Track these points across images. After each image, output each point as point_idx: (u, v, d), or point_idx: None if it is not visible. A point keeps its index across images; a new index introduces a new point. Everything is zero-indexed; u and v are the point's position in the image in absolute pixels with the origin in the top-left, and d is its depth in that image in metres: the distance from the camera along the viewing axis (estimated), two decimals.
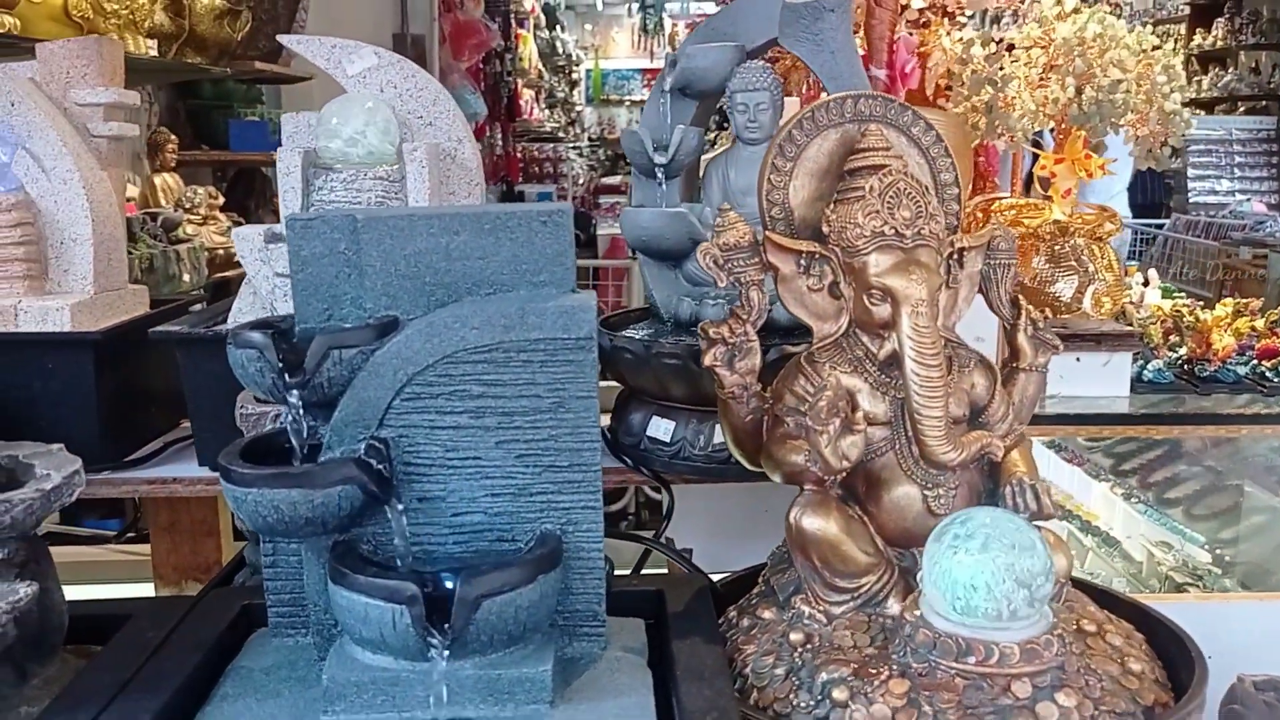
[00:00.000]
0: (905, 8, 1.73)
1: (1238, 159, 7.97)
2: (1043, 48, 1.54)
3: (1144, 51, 1.48)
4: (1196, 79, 8.49)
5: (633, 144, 1.24)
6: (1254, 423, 1.51)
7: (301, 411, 0.79)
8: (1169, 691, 0.86)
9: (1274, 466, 1.93)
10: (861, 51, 1.63)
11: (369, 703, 0.77)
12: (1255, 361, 1.65)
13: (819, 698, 0.82)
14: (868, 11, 1.68)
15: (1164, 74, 1.46)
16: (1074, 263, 1.57)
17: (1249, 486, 2.01)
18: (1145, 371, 1.63)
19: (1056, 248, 1.59)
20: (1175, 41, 8.70)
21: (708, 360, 0.94)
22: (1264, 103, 8.12)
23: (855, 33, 1.56)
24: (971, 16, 2.11)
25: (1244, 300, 1.83)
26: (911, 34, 1.79)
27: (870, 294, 0.92)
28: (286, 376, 0.78)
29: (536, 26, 9.13)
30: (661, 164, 1.21)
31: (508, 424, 0.81)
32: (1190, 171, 7.89)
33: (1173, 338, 1.72)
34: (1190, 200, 7.71)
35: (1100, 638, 0.88)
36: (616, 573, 0.90)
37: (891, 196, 0.92)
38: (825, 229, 0.95)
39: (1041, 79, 1.50)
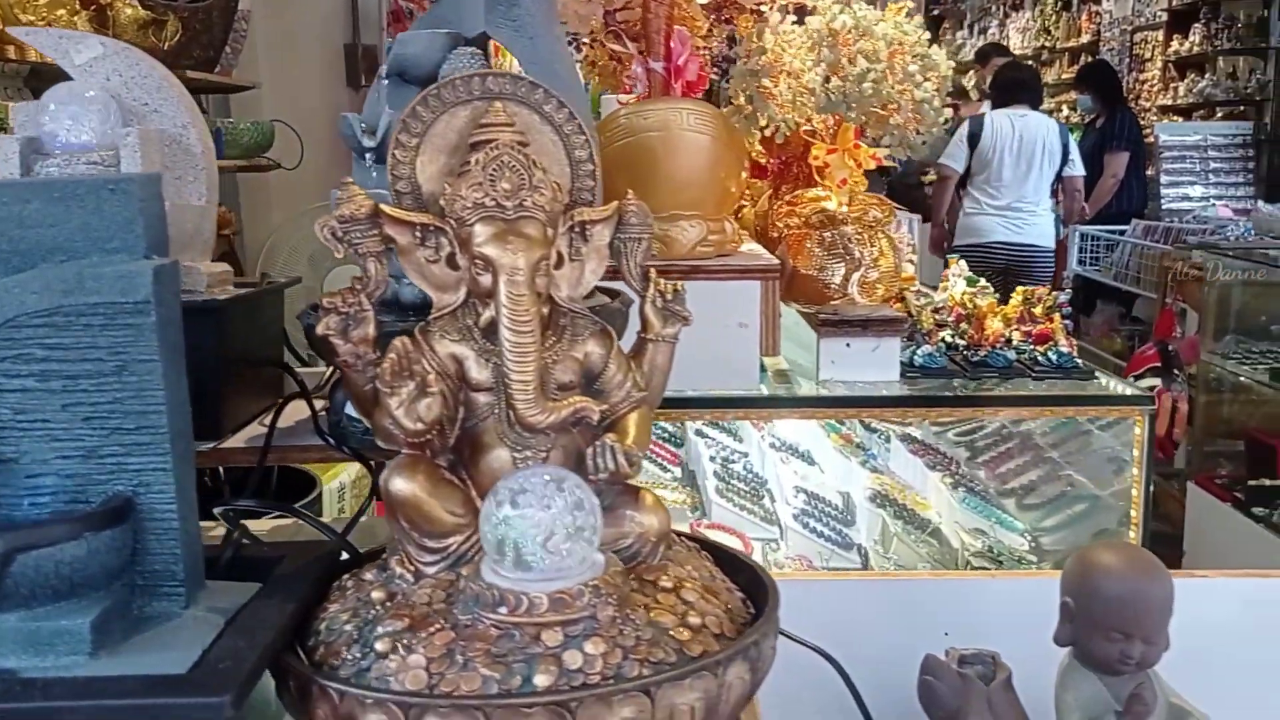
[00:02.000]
0: (690, 2, 1.76)
1: (1213, 164, 7.93)
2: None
3: (898, 42, 1.51)
4: (1174, 85, 8.47)
5: (344, 129, 1.27)
6: (1010, 404, 1.53)
7: None
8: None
9: (1098, 455, 1.94)
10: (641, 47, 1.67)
11: None
12: (1031, 346, 1.67)
13: (365, 650, 0.84)
14: (644, 6, 1.71)
15: (917, 63, 1.48)
16: (842, 250, 1.59)
17: (1078, 475, 2.02)
18: (916, 357, 1.65)
19: (826, 236, 1.61)
20: (1154, 48, 8.68)
21: (320, 329, 0.97)
22: (1241, 108, 8.08)
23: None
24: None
25: (1033, 288, 1.84)
26: (726, 25, 1.82)
27: (475, 264, 0.95)
28: None
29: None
30: (370, 148, 1.25)
31: (73, 387, 0.84)
32: (1163, 178, 7.87)
33: (963, 325, 1.74)
34: (1163, 206, 7.68)
35: (674, 593, 0.90)
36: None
37: (494, 169, 0.95)
38: (442, 202, 0.98)
39: (800, 71, 1.53)
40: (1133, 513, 1.61)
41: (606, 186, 1.54)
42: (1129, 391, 1.73)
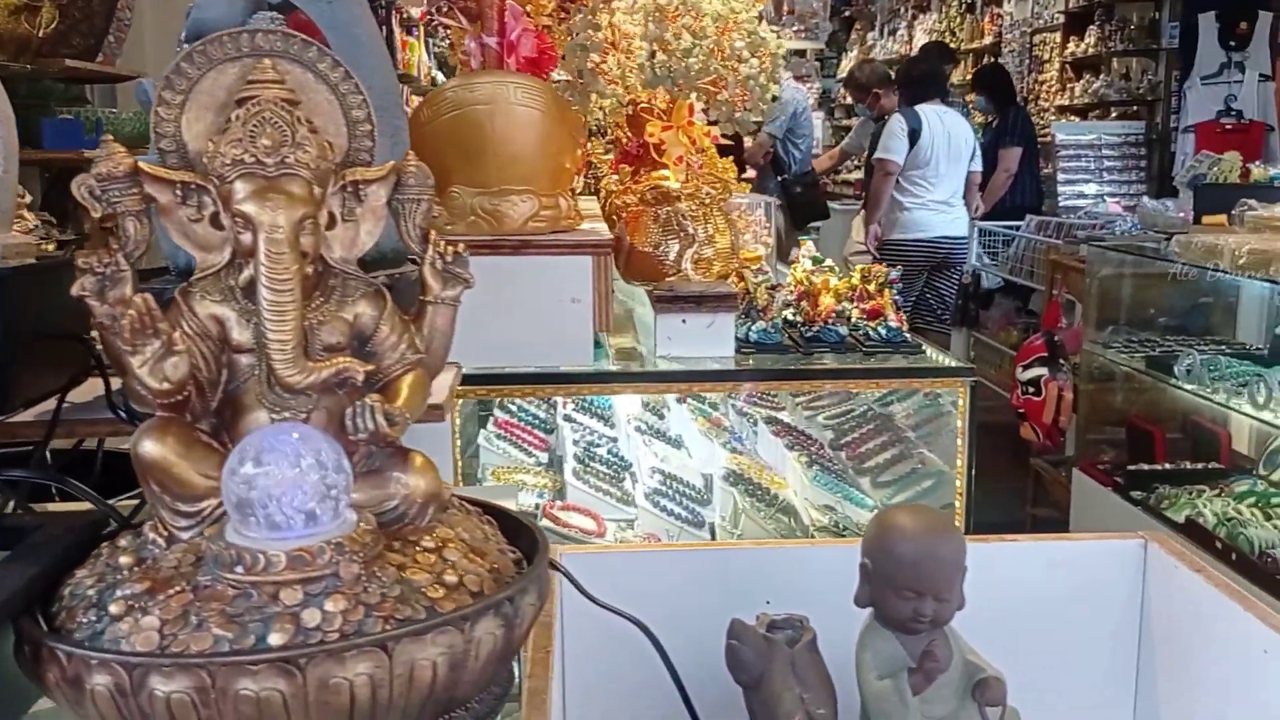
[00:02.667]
0: None
1: (1107, 163, 8.14)
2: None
3: (727, 19, 1.52)
4: (1071, 85, 8.69)
5: (139, 95, 1.24)
6: (838, 377, 1.56)
7: None
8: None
9: (950, 432, 1.98)
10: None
11: None
12: (864, 321, 1.70)
13: (101, 613, 0.82)
14: None
15: (744, 40, 1.50)
16: (676, 227, 1.60)
17: (929, 452, 2.06)
18: (751, 332, 1.67)
19: (662, 213, 1.62)
20: (1052, 50, 8.89)
21: (75, 289, 0.94)
22: (1134, 107, 8.32)
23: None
24: None
25: (872, 267, 1.88)
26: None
27: (235, 222, 0.93)
28: None
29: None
30: None
31: None
32: (1060, 176, 8.07)
33: (803, 303, 1.77)
34: (1060, 203, 7.88)
35: (436, 552, 0.89)
36: None
37: (255, 125, 0.93)
38: (204, 159, 0.96)
39: (631, 47, 1.53)
40: (957, 482, 1.65)
41: (435, 160, 1.52)
42: (951, 363, 1.77)
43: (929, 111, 5.87)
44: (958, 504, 1.67)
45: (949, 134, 5.89)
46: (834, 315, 1.70)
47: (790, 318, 1.70)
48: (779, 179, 7.24)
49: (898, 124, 5.89)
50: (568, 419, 2.51)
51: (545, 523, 2.08)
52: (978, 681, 1.17)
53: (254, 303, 0.94)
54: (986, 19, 9.93)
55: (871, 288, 1.78)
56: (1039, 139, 7.61)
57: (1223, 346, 4.20)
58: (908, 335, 1.77)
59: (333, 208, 0.98)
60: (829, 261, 2.01)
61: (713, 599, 1.35)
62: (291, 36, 1.01)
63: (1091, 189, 7.77)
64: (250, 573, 0.80)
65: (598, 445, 2.41)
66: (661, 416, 2.60)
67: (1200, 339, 4.36)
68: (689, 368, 1.57)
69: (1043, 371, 4.81)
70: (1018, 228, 6.45)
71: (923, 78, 6.25)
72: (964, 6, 10.48)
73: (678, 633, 1.27)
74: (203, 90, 0.99)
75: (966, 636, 1.21)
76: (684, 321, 1.60)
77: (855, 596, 1.21)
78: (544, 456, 2.44)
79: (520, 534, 1.01)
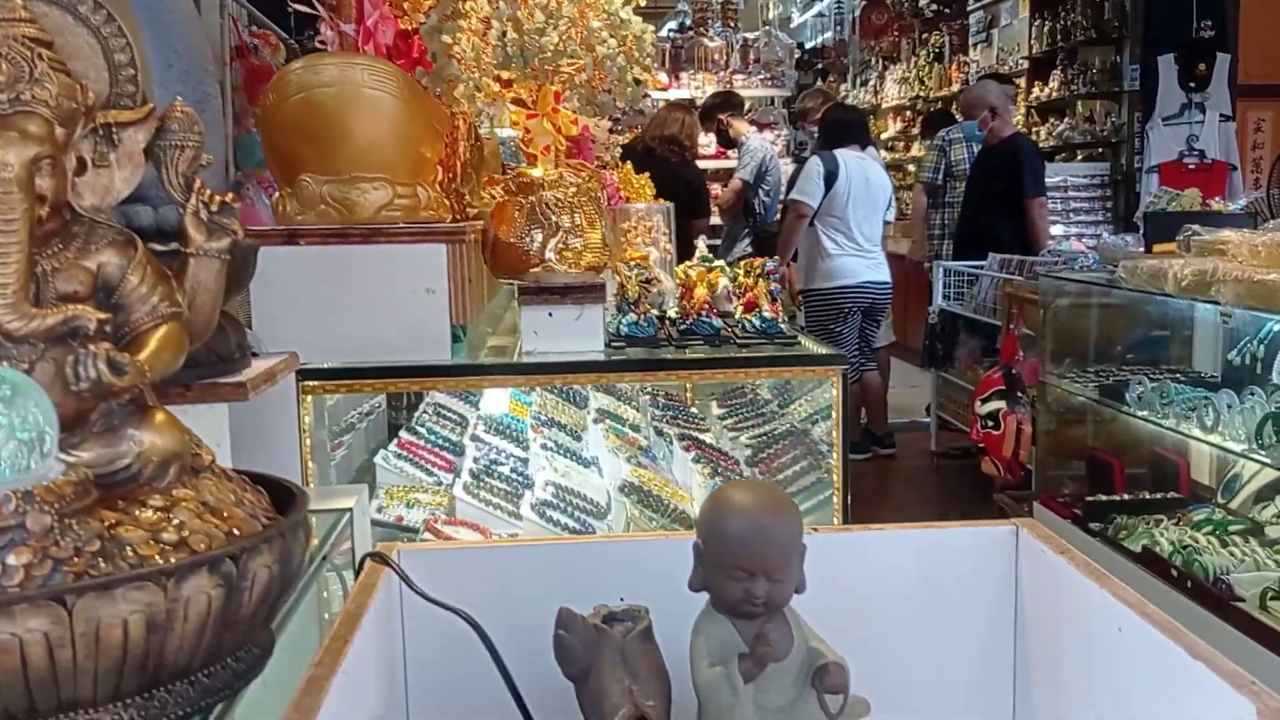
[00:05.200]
0: None
1: (1073, 204, 8.16)
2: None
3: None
4: (1036, 129, 8.74)
5: None
6: (709, 367, 1.49)
7: None
8: None
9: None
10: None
11: None
12: (741, 314, 1.64)
13: None
14: None
15: (601, 21, 1.45)
16: (541, 217, 1.54)
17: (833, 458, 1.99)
18: (622, 326, 1.60)
19: (526, 203, 1.56)
20: (1017, 95, 8.96)
21: None
22: (1099, 149, 8.36)
23: None
24: None
25: (754, 258, 1.83)
26: None
27: None
28: None
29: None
30: None
31: None
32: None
33: (684, 300, 1.71)
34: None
35: (163, 511, 0.82)
36: None
37: None
38: None
39: (486, 27, 1.49)
40: (835, 478, 1.57)
41: (285, 147, 1.47)
42: (824, 352, 1.71)
43: (848, 157, 5.87)
44: (835, 499, 1.59)
45: (866, 180, 5.89)
46: (708, 307, 1.64)
47: (670, 315, 1.64)
48: (749, 222, 7.26)
49: (814, 166, 5.87)
50: (475, 439, 2.43)
51: (427, 537, 1.99)
52: (818, 668, 1.08)
53: None
54: (954, 67, 10.03)
55: (749, 279, 1.73)
56: None
57: (1178, 374, 4.13)
58: (783, 326, 1.72)
59: (83, 152, 0.92)
60: (720, 262, 1.95)
61: (554, 593, 1.26)
62: None
63: (1059, 229, 7.77)
64: None
65: (501, 464, 2.33)
66: (578, 438, 2.52)
67: (1155, 368, 4.30)
68: (550, 360, 1.51)
69: (1001, 404, 4.75)
70: (981, 267, 6.43)
71: (843, 123, 6.24)
72: (932, 56, 10.59)
73: (515, 628, 1.19)
74: None
75: (840, 629, 1.12)
76: (550, 315, 1.53)
77: (689, 580, 1.12)
78: (447, 477, 2.36)
79: (290, 507, 0.93)
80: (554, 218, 1.52)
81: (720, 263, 1.92)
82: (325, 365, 1.54)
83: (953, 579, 1.27)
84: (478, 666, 1.19)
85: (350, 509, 1.26)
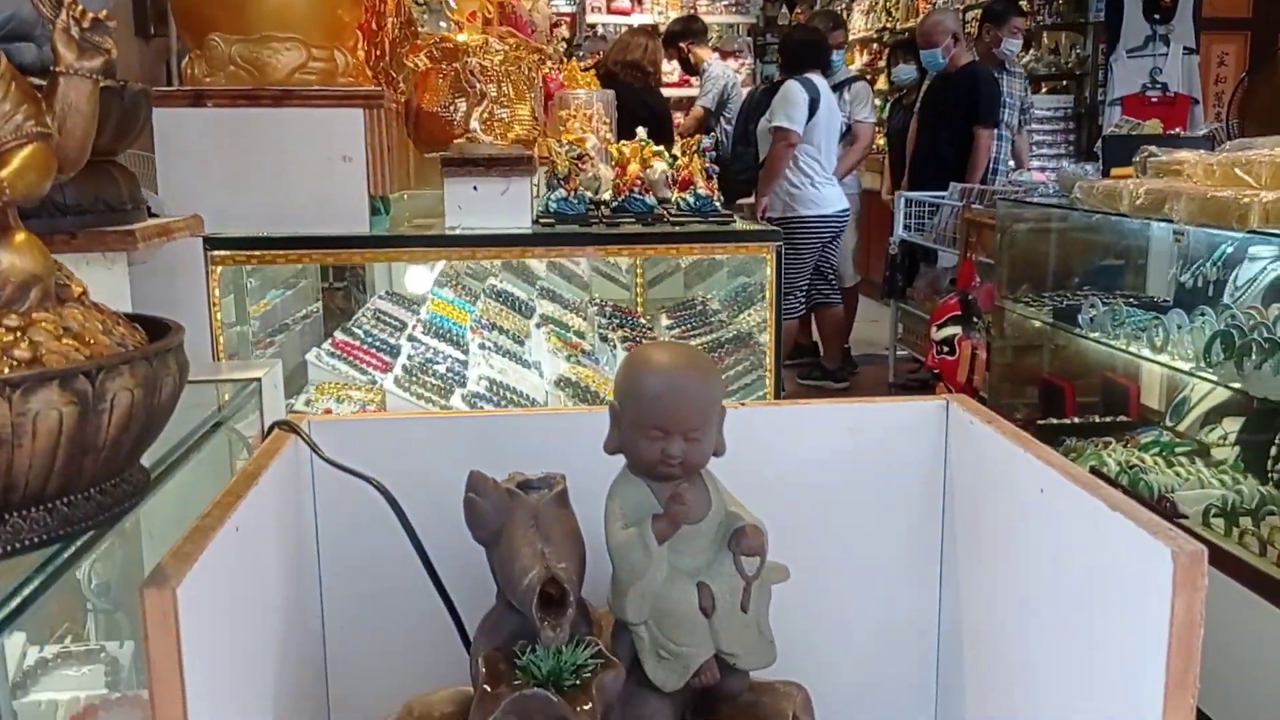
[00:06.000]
0: None
1: (1037, 136, 8.14)
2: None
3: None
4: None
5: None
6: (641, 242, 1.45)
7: None
8: None
9: None
10: None
11: None
12: (675, 193, 1.59)
13: None
14: None
15: None
16: (465, 85, 1.47)
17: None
18: (551, 202, 1.55)
19: (450, 70, 1.49)
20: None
21: None
22: (1064, 82, 8.32)
23: None
24: None
25: (689, 139, 1.77)
26: None
27: None
28: None
29: None
30: None
31: None
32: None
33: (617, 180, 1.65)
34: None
35: (17, 330, 0.76)
36: None
37: None
38: None
39: None
40: (767, 358, 1.54)
41: (194, 5, 1.38)
42: (758, 228, 1.66)
43: (820, 83, 5.77)
44: (768, 379, 1.55)
45: (830, 108, 5.81)
46: (639, 184, 1.58)
47: (604, 199, 1.59)
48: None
49: (798, 94, 5.72)
50: (412, 339, 2.37)
51: None
52: (734, 530, 1.05)
53: None
54: None
55: (685, 158, 1.67)
56: None
57: (1130, 299, 4.14)
58: (718, 204, 1.66)
59: None
60: (659, 147, 1.90)
61: (469, 465, 1.23)
62: None
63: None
64: None
65: (437, 363, 2.27)
66: (520, 343, 2.46)
67: (1109, 294, 4.30)
68: (475, 233, 1.45)
69: (956, 330, 4.75)
70: (942, 197, 6.39)
71: (807, 45, 6.09)
72: None
73: (428, 498, 1.16)
74: None
75: (768, 501, 1.09)
76: (475, 189, 1.47)
77: (604, 443, 1.08)
78: (382, 377, 2.29)
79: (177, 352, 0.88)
80: (479, 86, 1.45)
81: (660, 148, 1.86)
82: (235, 235, 1.48)
83: (882, 452, 1.25)
84: (390, 536, 1.16)
85: (259, 379, 1.21)
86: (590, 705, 0.96)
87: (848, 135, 6.18)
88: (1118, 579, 0.89)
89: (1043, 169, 7.21)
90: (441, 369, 2.23)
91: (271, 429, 1.16)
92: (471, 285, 2.77)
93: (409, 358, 2.27)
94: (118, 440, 0.75)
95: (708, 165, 1.69)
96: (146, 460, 0.91)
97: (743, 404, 1.25)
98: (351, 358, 2.24)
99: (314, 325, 2.56)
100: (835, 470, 1.25)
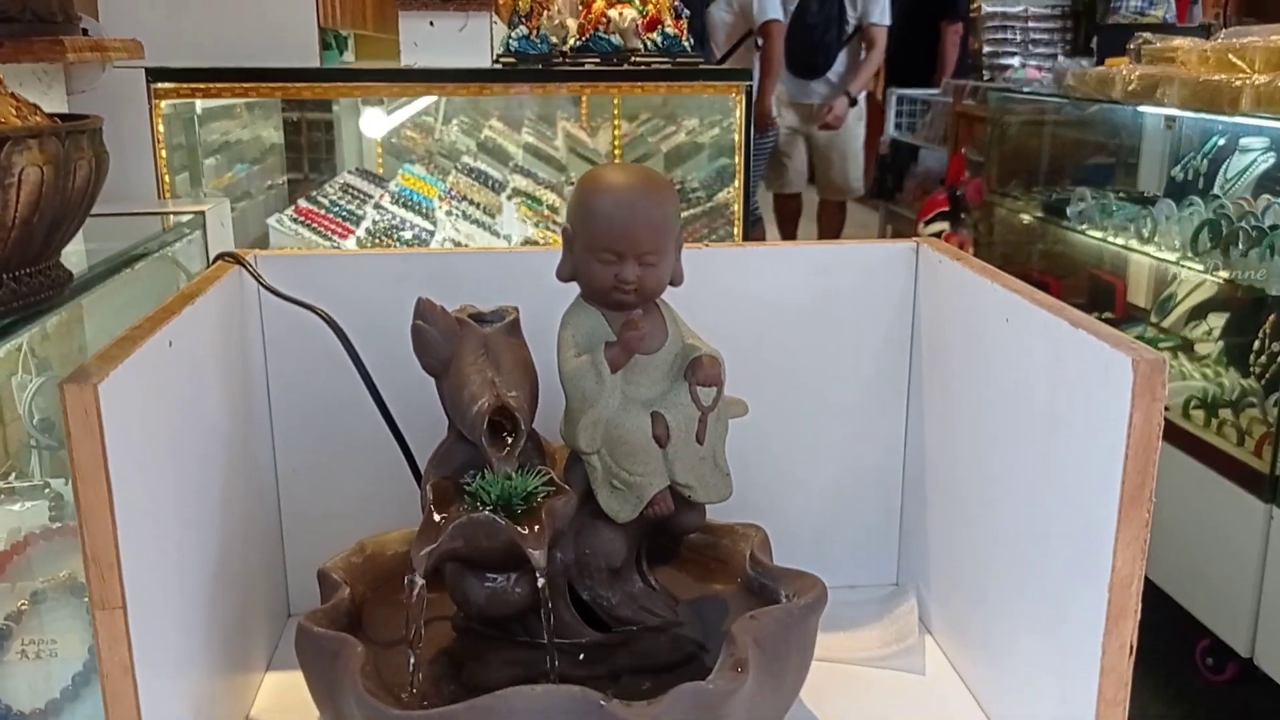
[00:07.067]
0: None
1: (1033, 34, 8.00)
2: None
3: None
4: None
5: None
6: (609, 80, 1.40)
7: None
8: None
9: None
10: None
11: None
12: (643, 34, 1.53)
13: None
14: None
15: None
16: None
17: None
18: (511, 41, 1.49)
19: None
20: None
21: None
22: None
23: None
24: None
25: None
26: None
27: None
28: None
29: None
30: None
31: None
32: (985, 48, 7.91)
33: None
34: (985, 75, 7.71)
35: None
36: None
37: None
38: None
39: None
40: (736, 206, 1.50)
41: None
42: (729, 67, 1.61)
43: None
44: (736, 229, 1.52)
45: None
46: (605, 22, 1.52)
47: (568, 44, 1.53)
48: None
49: None
50: (378, 207, 2.32)
51: None
52: (690, 360, 1.02)
53: None
54: None
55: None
56: (970, 12, 7.43)
57: (1121, 194, 4.09)
58: (686, 45, 1.61)
59: None
60: None
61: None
62: None
63: (1017, 62, 7.61)
64: None
65: (402, 230, 2.22)
66: (492, 216, 2.41)
67: (1100, 189, 4.25)
68: (435, 67, 1.39)
69: (944, 225, 4.70)
70: (934, 94, 6.30)
71: None
72: None
73: (376, 330, 1.13)
74: None
75: (734, 344, 1.06)
76: (431, 24, 1.41)
77: (557, 270, 1.05)
78: (344, 242, 2.25)
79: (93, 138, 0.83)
80: None
81: None
82: (179, 67, 1.41)
83: (850, 294, 1.22)
84: (342, 374, 1.13)
85: (203, 211, 1.16)
86: (539, 529, 0.94)
87: (855, 37, 5.32)
88: (1081, 395, 0.87)
89: (1039, 66, 7.10)
90: (407, 235, 2.18)
91: (216, 260, 1.13)
92: (443, 164, 2.71)
93: (374, 223, 2.21)
94: (28, 220, 0.71)
95: (676, 4, 1.62)
96: (80, 280, 0.87)
97: (706, 244, 1.21)
98: (315, 224, 2.18)
99: (278, 196, 2.50)
100: (801, 312, 1.22)
